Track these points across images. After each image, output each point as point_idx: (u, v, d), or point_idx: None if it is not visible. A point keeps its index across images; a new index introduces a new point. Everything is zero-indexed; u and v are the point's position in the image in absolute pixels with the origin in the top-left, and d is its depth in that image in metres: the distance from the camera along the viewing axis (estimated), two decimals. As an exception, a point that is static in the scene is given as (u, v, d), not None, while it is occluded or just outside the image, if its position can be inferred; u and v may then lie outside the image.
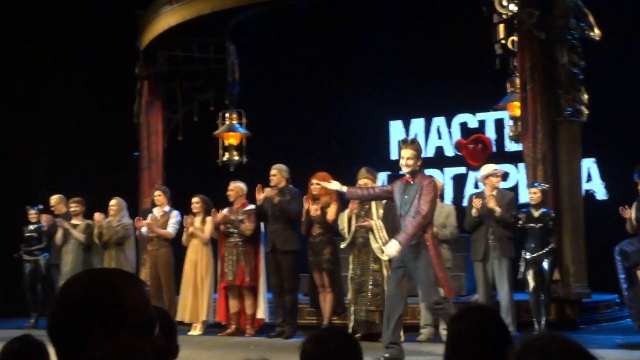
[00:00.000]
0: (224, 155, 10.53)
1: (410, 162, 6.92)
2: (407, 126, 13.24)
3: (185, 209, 9.69)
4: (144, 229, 9.63)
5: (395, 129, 13.31)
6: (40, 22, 12.81)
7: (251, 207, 9.28)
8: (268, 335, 8.90)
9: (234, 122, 10.56)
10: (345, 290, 8.74)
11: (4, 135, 13.05)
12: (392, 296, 6.94)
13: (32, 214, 11.05)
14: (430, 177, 7.16)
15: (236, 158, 10.50)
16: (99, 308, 1.58)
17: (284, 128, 12.81)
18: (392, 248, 6.79)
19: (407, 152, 6.94)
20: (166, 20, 10.45)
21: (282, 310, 8.93)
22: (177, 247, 9.73)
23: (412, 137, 7.34)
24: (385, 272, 8.15)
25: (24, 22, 12.77)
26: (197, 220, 9.53)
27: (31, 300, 10.95)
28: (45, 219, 10.63)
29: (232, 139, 10.54)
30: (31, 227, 11.06)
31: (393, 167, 13.06)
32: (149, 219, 9.68)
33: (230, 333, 9.19)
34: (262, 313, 9.19)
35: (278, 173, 9.06)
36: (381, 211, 8.33)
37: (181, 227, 9.64)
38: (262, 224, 9.24)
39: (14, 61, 12.87)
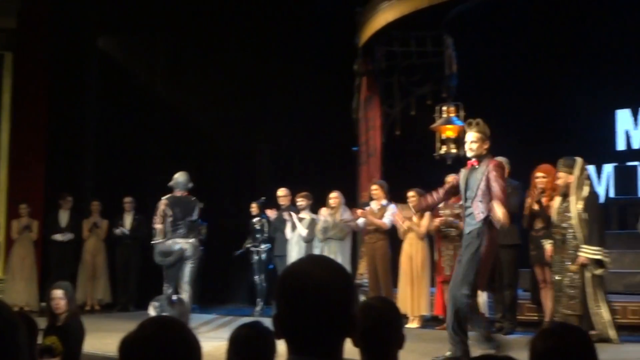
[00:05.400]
0: (441, 148, 10.47)
1: (474, 145, 6.56)
2: (635, 115, 12.50)
3: (403, 203, 9.75)
4: (360, 221, 9.80)
5: (623, 118, 12.61)
6: (262, 23, 13.44)
7: None
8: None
9: (452, 115, 10.46)
10: None
11: (231, 133, 13.85)
12: None
13: (254, 207, 11.64)
14: (496, 159, 6.72)
15: (453, 151, 10.39)
16: None
17: (504, 120, 12.50)
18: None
19: (471, 135, 6.58)
20: (384, 16, 10.55)
21: (501, 306, 8.77)
22: (395, 240, 9.83)
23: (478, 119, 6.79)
24: (587, 273, 7.60)
25: (246, 24, 13.45)
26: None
27: (258, 289, 11.54)
28: (271, 212, 11.15)
29: (449, 132, 10.45)
30: (255, 219, 11.65)
31: (620, 159, 12.40)
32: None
33: (448, 327, 9.15)
34: (481, 307, 9.08)
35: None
36: (580, 205, 7.79)
37: (398, 220, 9.72)
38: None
39: (238, 62, 13.63)
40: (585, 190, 7.84)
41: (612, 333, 7.48)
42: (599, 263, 7.64)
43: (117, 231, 12.21)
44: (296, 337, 1.75)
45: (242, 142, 14.13)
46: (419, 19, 10.46)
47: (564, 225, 7.87)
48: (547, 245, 8.17)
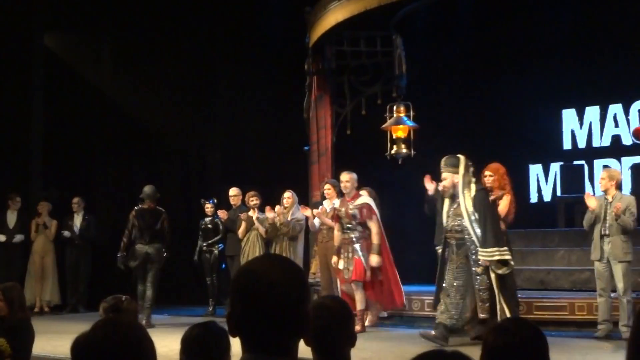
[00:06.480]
0: (392, 148, 10.56)
1: None
2: (581, 114, 12.75)
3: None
4: (316, 221, 9.81)
5: (569, 117, 12.85)
6: (212, 22, 13.37)
7: (363, 200, 9.02)
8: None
9: (402, 114, 10.55)
10: None
11: (181, 131, 13.76)
12: None
13: (208, 207, 11.58)
14: None
15: (404, 151, 10.49)
16: None
17: (453, 119, 12.67)
18: None
19: None
20: (334, 16, 10.60)
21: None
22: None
23: None
24: (492, 274, 7.32)
25: (197, 23, 13.37)
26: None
27: (210, 289, 11.49)
28: (222, 214, 11.07)
29: (400, 132, 10.54)
30: (207, 219, 11.59)
31: (566, 158, 12.63)
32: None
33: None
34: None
35: None
36: (470, 206, 7.48)
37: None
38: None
39: (188, 61, 13.55)
40: (473, 189, 7.49)
41: None
42: (502, 262, 7.33)
43: (66, 233, 12.05)
44: (250, 335, 1.77)
45: (193, 141, 14.06)
46: (368, 19, 10.53)
47: (458, 228, 7.52)
48: (440, 251, 7.78)
